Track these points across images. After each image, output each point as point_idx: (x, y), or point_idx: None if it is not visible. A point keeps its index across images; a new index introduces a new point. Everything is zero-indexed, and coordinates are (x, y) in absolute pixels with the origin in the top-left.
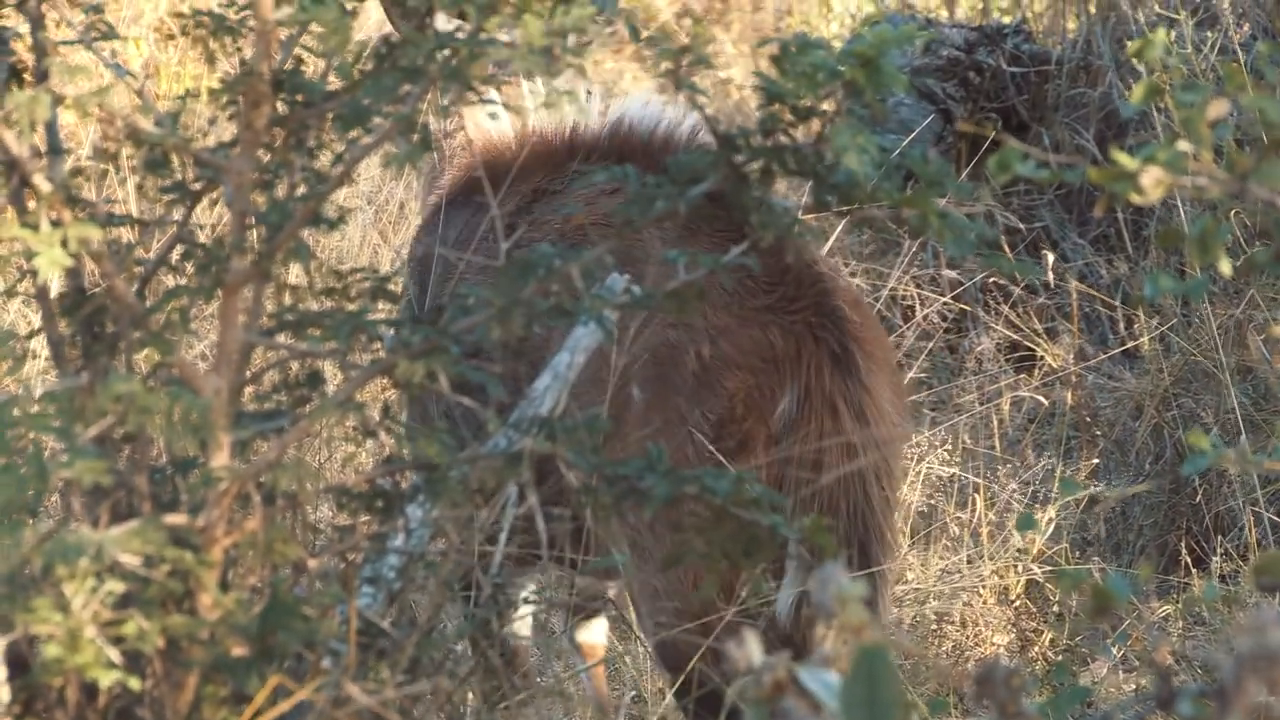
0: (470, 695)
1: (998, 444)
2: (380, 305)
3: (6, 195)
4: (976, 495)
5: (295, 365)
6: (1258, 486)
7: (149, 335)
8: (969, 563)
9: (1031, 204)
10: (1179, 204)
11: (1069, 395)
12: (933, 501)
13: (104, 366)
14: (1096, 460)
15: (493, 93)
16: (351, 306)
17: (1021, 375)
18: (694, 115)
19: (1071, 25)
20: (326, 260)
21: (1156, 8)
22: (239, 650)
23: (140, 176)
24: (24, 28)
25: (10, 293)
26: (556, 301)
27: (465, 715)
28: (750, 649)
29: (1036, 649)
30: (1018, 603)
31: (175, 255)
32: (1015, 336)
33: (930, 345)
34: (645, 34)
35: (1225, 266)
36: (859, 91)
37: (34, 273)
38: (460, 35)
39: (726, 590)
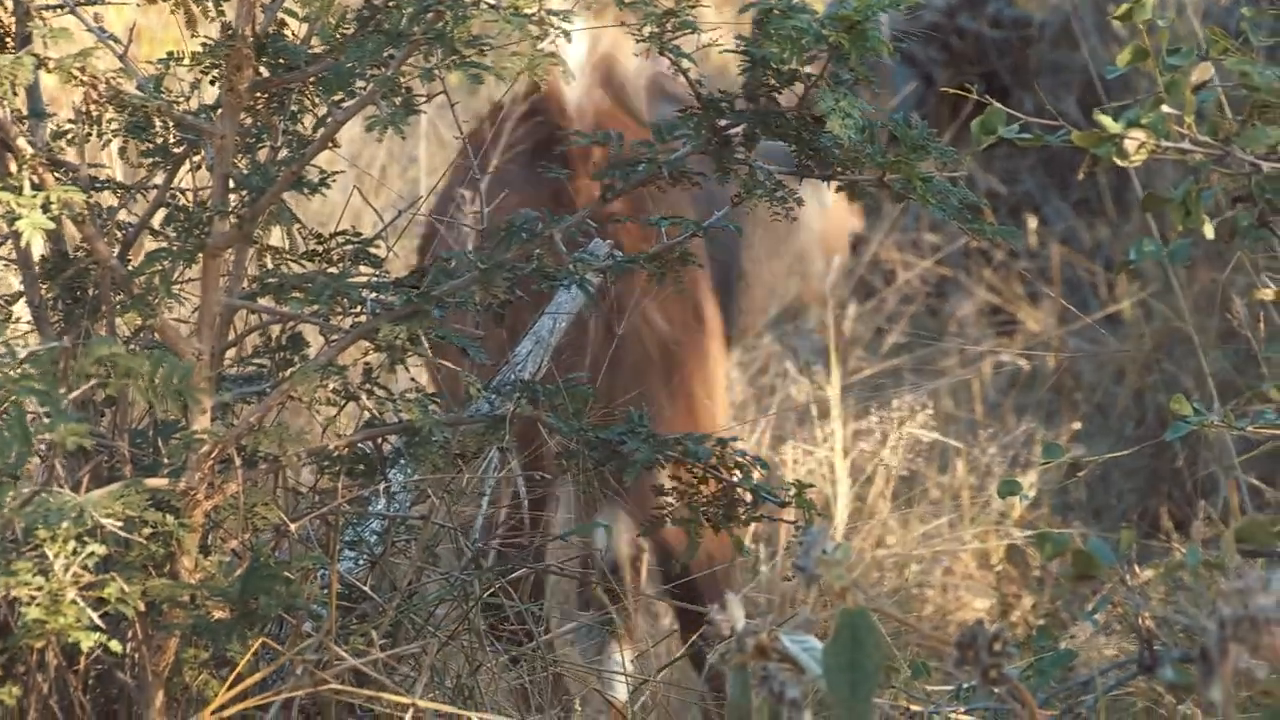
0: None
1: (979, 408)
2: (362, 269)
3: None
4: (957, 459)
5: (277, 329)
6: (1239, 451)
7: (131, 299)
8: (950, 527)
9: (1013, 168)
10: (1162, 168)
11: (1050, 359)
12: (913, 466)
13: (86, 330)
14: (1078, 425)
15: None
16: (333, 270)
17: (1003, 339)
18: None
19: None
20: (309, 224)
21: None
22: (220, 613)
23: (123, 140)
24: None
25: None
26: (539, 265)
27: (447, 678)
28: (733, 612)
29: (1017, 614)
30: (999, 567)
31: (157, 219)
32: (997, 301)
33: (911, 309)
34: None
35: (1208, 230)
36: (843, 56)
37: (16, 236)
38: None
39: None
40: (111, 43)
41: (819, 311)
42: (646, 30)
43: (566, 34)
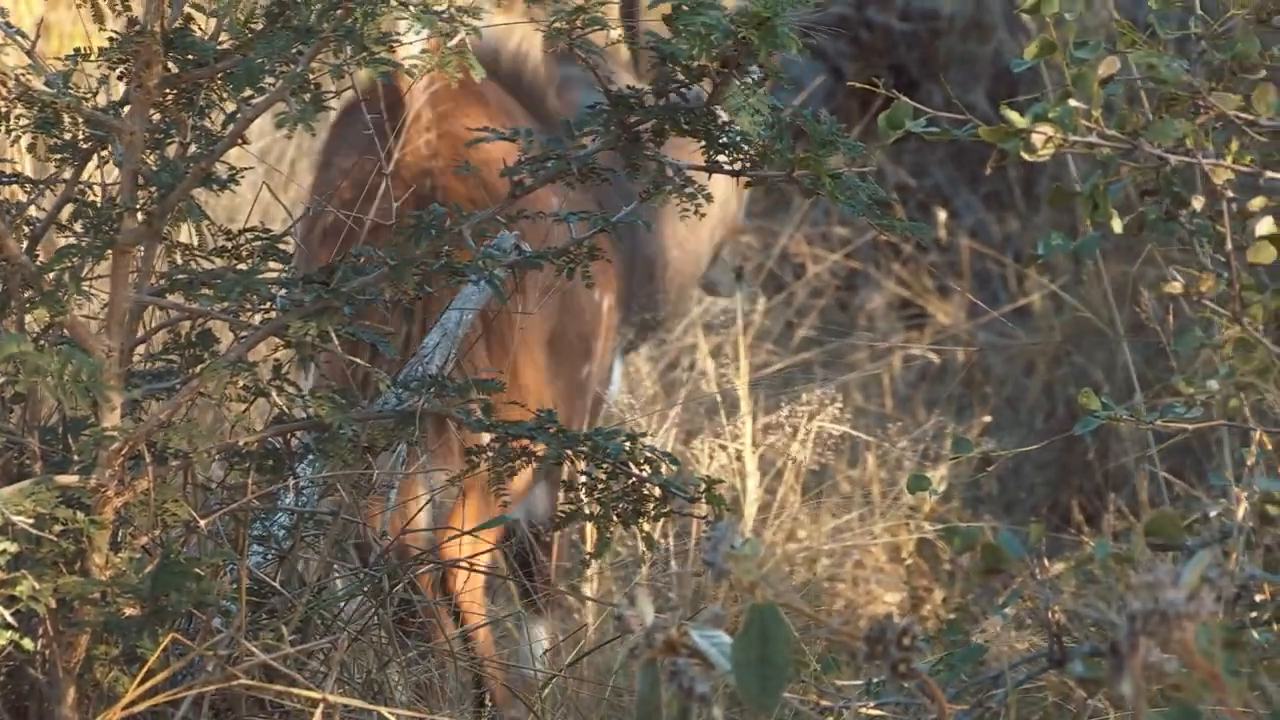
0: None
1: (889, 402)
2: (271, 265)
3: None
4: (868, 453)
5: (187, 325)
6: (1151, 444)
7: (40, 295)
8: (860, 521)
9: (922, 161)
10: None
11: (960, 353)
12: (823, 460)
13: None
14: (988, 418)
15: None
16: (243, 266)
17: (912, 333)
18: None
19: None
20: (218, 220)
21: None
22: (131, 610)
23: (32, 136)
24: None
25: None
26: (448, 261)
27: (357, 673)
28: (642, 609)
29: (928, 607)
30: (909, 561)
31: (66, 214)
32: (906, 294)
33: (821, 303)
34: None
35: (1116, 224)
36: (752, 51)
37: None
38: None
39: None
40: (19, 38)
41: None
42: (555, 26)
43: (476, 30)
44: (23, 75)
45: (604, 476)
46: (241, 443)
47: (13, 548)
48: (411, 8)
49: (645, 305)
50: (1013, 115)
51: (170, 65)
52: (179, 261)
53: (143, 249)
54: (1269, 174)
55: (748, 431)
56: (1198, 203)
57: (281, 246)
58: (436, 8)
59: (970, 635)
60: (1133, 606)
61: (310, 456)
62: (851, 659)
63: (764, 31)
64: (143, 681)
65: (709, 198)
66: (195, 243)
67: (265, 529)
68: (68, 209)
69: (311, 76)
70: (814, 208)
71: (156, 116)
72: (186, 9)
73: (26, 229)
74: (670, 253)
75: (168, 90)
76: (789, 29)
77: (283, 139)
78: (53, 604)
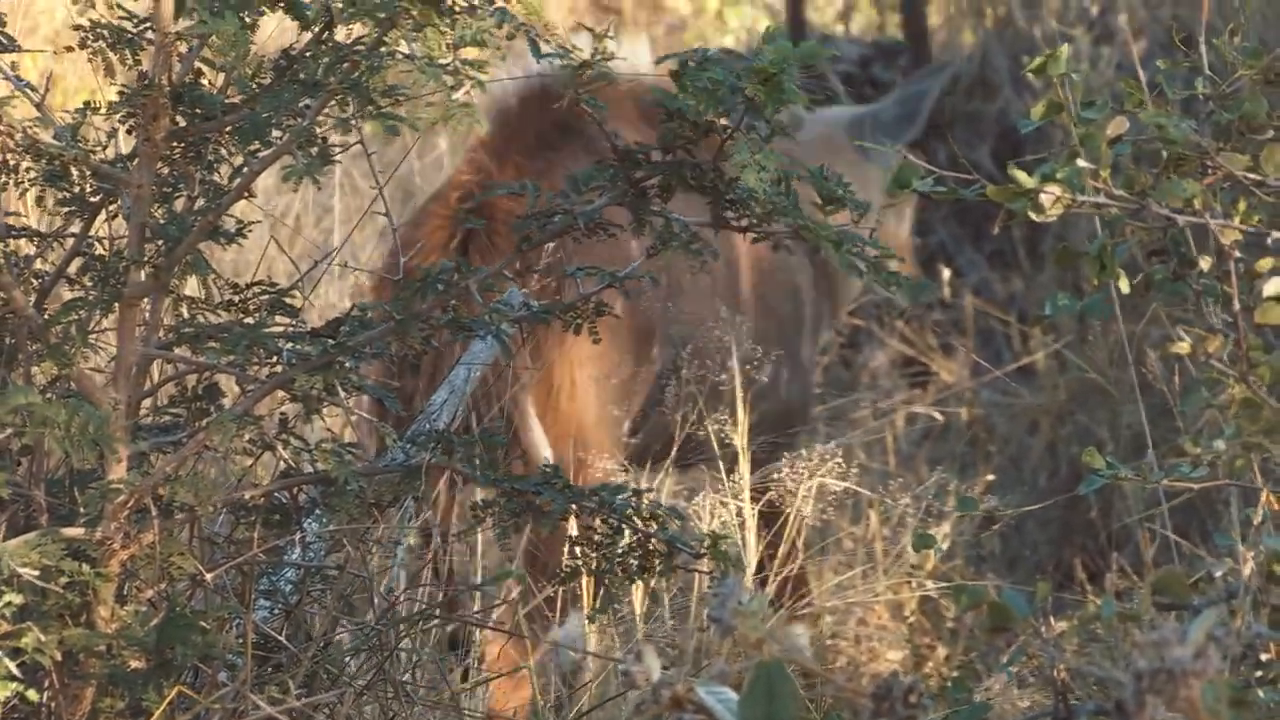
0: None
1: (892, 460)
2: (278, 319)
3: None
4: (870, 510)
5: (193, 378)
6: (1163, 500)
7: (47, 348)
8: (863, 578)
9: (927, 219)
10: (1077, 220)
11: (964, 411)
12: (826, 516)
13: (2, 379)
14: (991, 476)
15: None
16: (249, 320)
17: (916, 391)
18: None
19: (968, 39)
20: (225, 274)
21: (1054, 23)
22: (136, 663)
23: (40, 189)
24: None
25: None
26: (454, 316)
27: None
28: (649, 665)
29: (931, 665)
30: (912, 619)
31: (74, 268)
32: (910, 352)
33: (825, 360)
34: (545, 48)
35: (1124, 284)
36: (759, 108)
37: None
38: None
39: None
40: (28, 91)
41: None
42: (563, 80)
43: (480, 84)
44: (31, 128)
45: (609, 531)
46: (248, 496)
47: (18, 599)
48: (416, 61)
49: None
50: (1020, 175)
51: (178, 119)
52: (186, 315)
53: (149, 302)
54: (1276, 234)
55: (747, 487)
56: (1205, 263)
57: (288, 300)
58: (441, 61)
59: (974, 693)
60: (1139, 664)
61: (317, 511)
62: (856, 716)
63: (771, 88)
64: None
65: (715, 255)
66: (202, 296)
67: (271, 583)
68: (76, 262)
69: (318, 130)
70: None
71: (164, 170)
72: (195, 63)
73: (34, 282)
74: None
75: (175, 144)
76: (796, 85)
77: (289, 192)
78: (58, 656)
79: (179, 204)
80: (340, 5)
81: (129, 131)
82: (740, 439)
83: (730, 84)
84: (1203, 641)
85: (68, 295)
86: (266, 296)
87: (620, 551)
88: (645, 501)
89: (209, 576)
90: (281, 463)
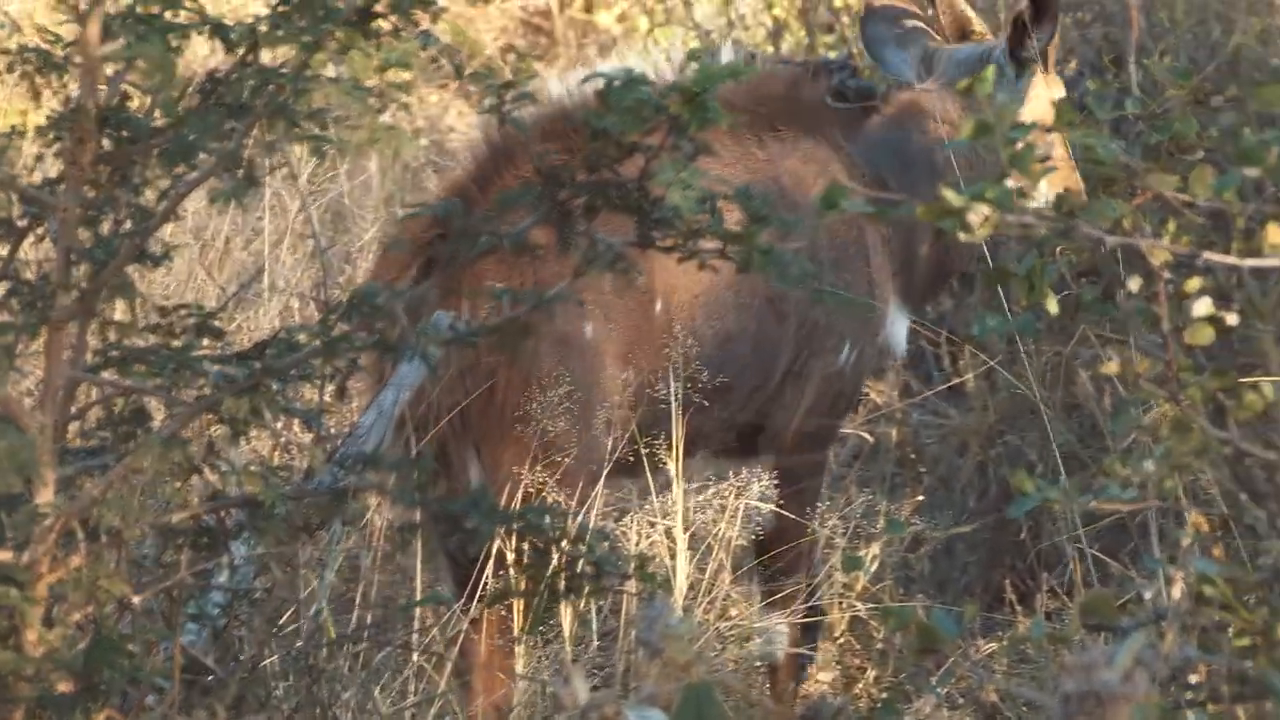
0: None
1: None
2: (205, 342)
3: None
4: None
5: (120, 402)
6: (1089, 522)
7: None
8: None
9: None
10: (1007, 240)
11: (893, 432)
12: (753, 535)
13: None
14: (920, 497)
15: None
16: (176, 343)
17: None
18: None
19: None
20: (151, 297)
21: None
22: (64, 686)
23: None
24: None
25: None
26: (381, 337)
27: None
28: (577, 686)
29: (860, 686)
30: (841, 640)
31: (1, 292)
32: None
33: None
34: (469, 70)
35: (1053, 305)
36: (684, 127)
37: None
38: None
39: None
40: None
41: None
42: (487, 102)
43: (406, 106)
44: None
45: (536, 553)
46: (175, 520)
47: None
48: (342, 84)
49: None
50: (949, 194)
51: (105, 142)
52: (113, 338)
53: (76, 326)
54: (1206, 255)
55: (679, 509)
56: (1135, 284)
57: (215, 323)
58: (368, 84)
59: (903, 714)
60: (1067, 687)
61: (244, 534)
62: None
63: (695, 107)
64: None
65: (640, 272)
66: (129, 320)
67: (199, 606)
68: (2, 286)
69: (244, 153)
70: None
71: (91, 193)
72: (122, 87)
73: None
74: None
75: (102, 167)
76: (718, 105)
77: (217, 215)
78: None
79: (106, 227)
80: (265, 29)
81: (56, 155)
82: (674, 463)
83: (654, 103)
84: (1130, 665)
85: None
86: (193, 319)
87: (547, 573)
88: (571, 523)
89: (137, 600)
90: (209, 486)
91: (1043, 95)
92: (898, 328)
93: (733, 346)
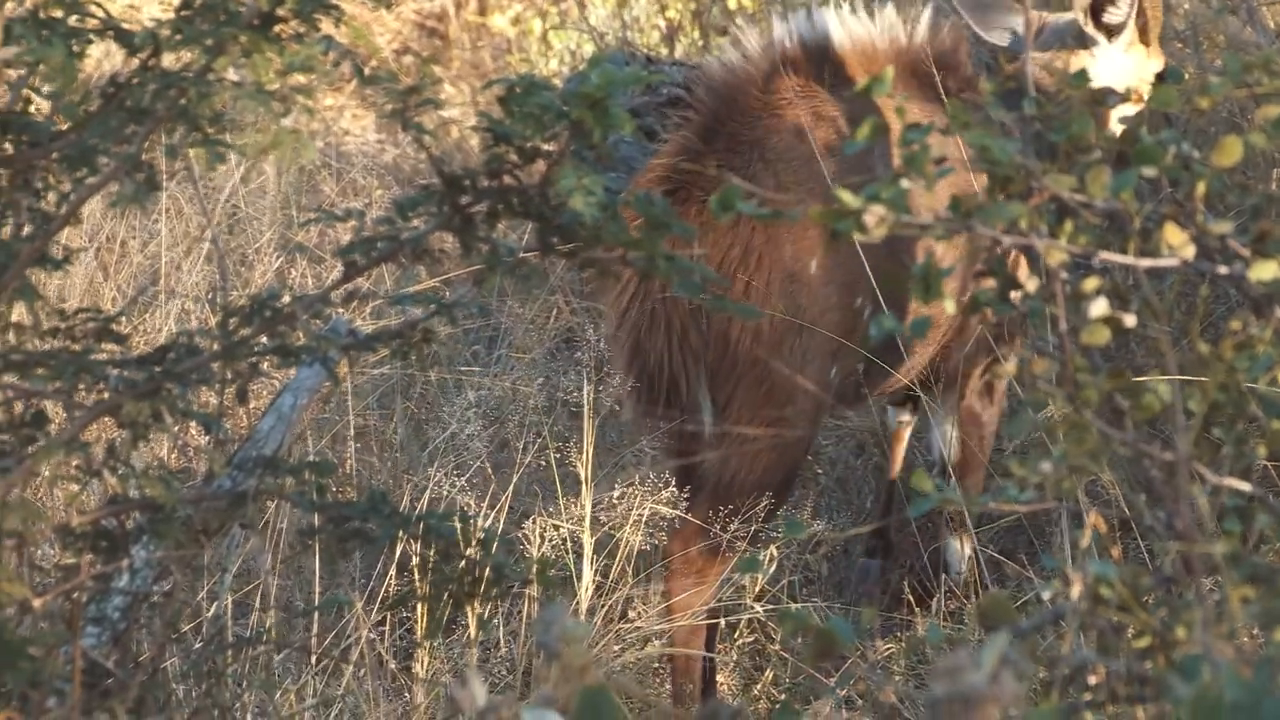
0: None
1: None
2: (105, 345)
3: None
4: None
5: (20, 405)
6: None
7: None
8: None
9: None
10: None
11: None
12: (655, 540)
13: None
14: (818, 498)
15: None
16: (76, 346)
17: None
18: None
19: None
20: (51, 300)
21: None
22: None
23: None
24: None
25: None
26: (281, 342)
27: None
28: (474, 689)
29: (759, 688)
30: (740, 641)
31: None
32: None
33: None
34: (368, 72)
35: (949, 305)
36: (585, 133)
37: None
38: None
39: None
40: None
41: None
42: (389, 107)
43: (309, 110)
44: None
45: (438, 557)
46: (75, 523)
47: None
48: (244, 88)
49: None
50: (845, 195)
51: (6, 146)
52: (12, 341)
53: None
54: (1103, 255)
55: (588, 513)
56: (1032, 284)
57: (114, 327)
58: (270, 87)
59: (802, 716)
60: (935, 691)
61: (145, 537)
62: None
63: (597, 112)
64: None
65: (545, 279)
66: (29, 323)
67: (100, 610)
68: None
69: (145, 157)
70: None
71: None
72: (23, 91)
73: None
74: None
75: (3, 171)
76: (621, 110)
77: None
78: None
79: (6, 231)
80: (167, 32)
81: None
82: (584, 469)
83: (556, 108)
84: (995, 666)
85: None
86: (93, 323)
87: (446, 577)
88: (472, 527)
89: (37, 603)
90: (109, 489)
91: (1124, 65)
92: None
93: None
